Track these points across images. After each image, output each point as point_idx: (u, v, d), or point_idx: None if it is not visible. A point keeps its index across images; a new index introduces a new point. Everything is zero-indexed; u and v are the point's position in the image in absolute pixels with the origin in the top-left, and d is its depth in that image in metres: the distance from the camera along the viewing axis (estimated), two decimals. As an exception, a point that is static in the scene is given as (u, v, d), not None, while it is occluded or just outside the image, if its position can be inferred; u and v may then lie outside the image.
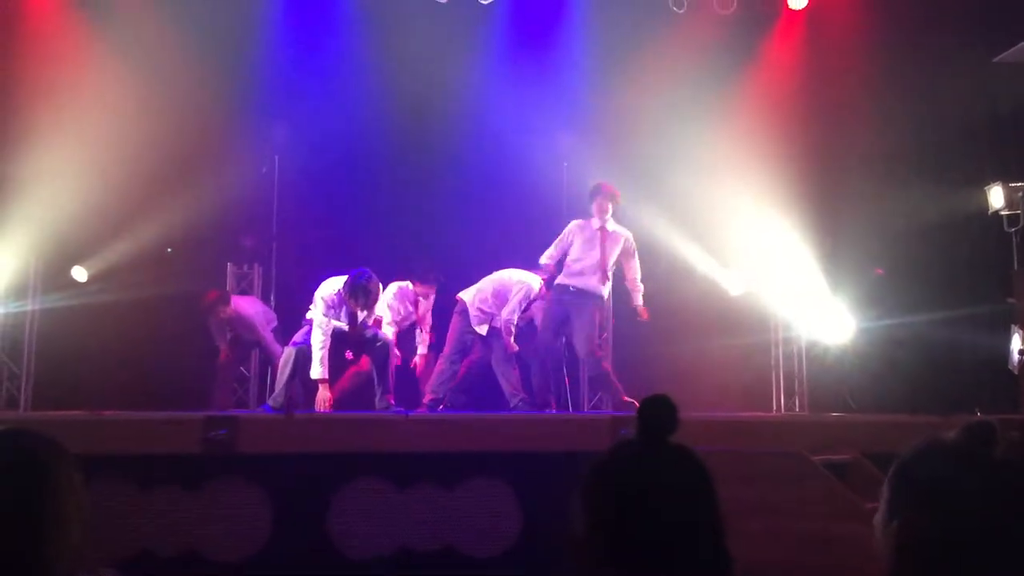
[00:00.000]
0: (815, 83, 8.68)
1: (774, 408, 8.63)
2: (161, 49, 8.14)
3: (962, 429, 1.49)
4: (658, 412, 1.59)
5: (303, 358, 6.52)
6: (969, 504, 1.41)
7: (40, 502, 1.51)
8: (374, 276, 6.48)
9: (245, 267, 8.77)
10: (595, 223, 7.09)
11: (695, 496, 1.56)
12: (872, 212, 8.27)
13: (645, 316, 7.20)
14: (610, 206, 7.09)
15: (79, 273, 8.34)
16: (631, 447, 1.61)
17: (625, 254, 7.14)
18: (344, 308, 6.50)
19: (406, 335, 7.55)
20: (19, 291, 8.00)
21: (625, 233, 7.17)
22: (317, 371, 6.45)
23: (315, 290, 6.64)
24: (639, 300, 7.22)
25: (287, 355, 6.67)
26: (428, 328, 7.56)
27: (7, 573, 1.47)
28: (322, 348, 6.44)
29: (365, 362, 7.13)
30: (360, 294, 6.37)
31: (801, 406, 8.58)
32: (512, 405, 7.01)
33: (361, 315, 6.56)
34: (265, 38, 8.67)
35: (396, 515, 4.95)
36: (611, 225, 7.10)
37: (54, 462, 1.57)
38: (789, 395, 8.69)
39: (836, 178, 8.54)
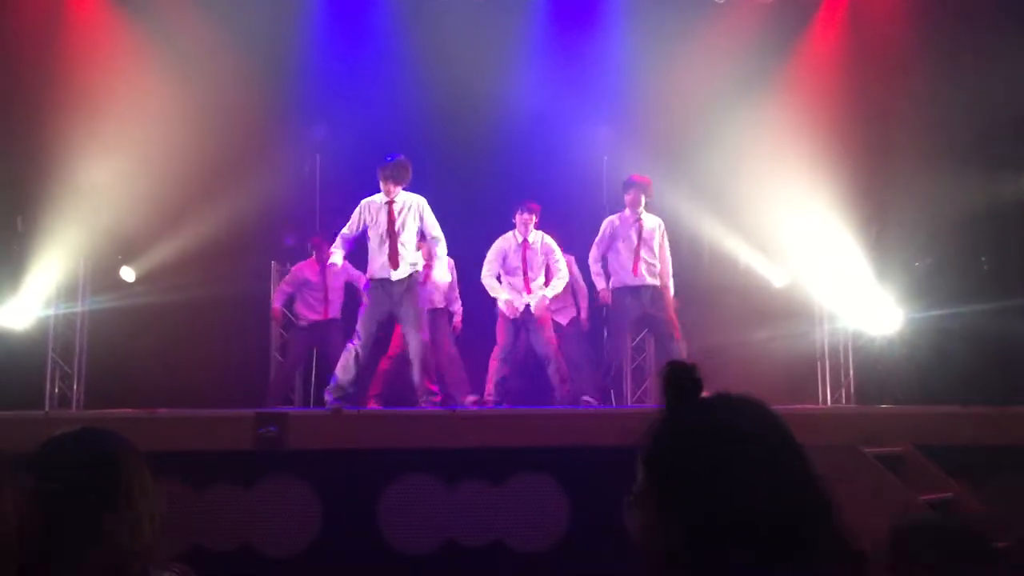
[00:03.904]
0: (859, 71, 8.55)
1: (820, 400, 8.54)
2: (204, 52, 8.24)
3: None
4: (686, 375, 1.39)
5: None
6: None
7: (115, 500, 1.54)
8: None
9: (288, 265, 8.84)
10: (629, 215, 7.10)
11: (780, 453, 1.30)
12: (919, 200, 8.12)
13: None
14: (643, 198, 7.09)
15: (127, 274, 8.47)
16: (697, 406, 1.38)
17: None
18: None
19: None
20: (69, 292, 8.15)
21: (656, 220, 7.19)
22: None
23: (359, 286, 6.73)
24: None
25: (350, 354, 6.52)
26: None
27: (84, 568, 1.50)
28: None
29: (395, 346, 7.16)
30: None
31: (848, 398, 8.47)
32: (559, 398, 6.99)
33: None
34: (305, 38, 8.74)
35: (445, 510, 4.98)
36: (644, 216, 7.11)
37: (128, 461, 1.60)
38: (836, 387, 8.59)
39: (882, 166, 8.41)
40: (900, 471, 5.16)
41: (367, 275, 6.60)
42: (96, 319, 8.22)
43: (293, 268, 8.21)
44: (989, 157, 7.90)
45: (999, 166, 7.86)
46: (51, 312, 8.03)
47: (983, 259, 7.81)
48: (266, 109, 8.45)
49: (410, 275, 6.45)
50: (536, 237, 7.21)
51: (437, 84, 8.43)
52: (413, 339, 6.41)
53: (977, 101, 7.69)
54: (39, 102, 7.90)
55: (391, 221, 6.49)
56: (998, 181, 7.80)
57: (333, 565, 4.90)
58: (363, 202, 6.62)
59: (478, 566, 4.93)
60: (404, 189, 6.58)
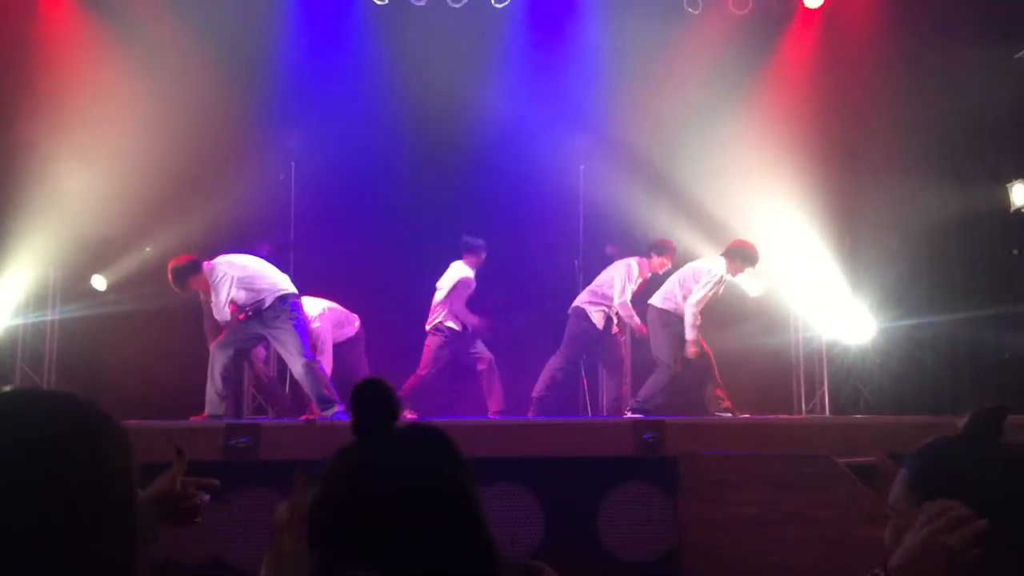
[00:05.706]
0: (832, 81, 8.62)
1: (795, 409, 8.58)
2: (178, 57, 8.15)
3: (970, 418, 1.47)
4: (378, 395, 1.44)
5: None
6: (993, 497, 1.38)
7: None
8: None
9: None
10: None
11: (443, 483, 1.39)
12: (892, 210, 8.19)
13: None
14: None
15: (98, 282, 8.36)
16: (356, 442, 1.42)
17: None
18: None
19: None
20: (39, 301, 8.03)
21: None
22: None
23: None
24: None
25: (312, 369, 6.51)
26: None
27: None
28: None
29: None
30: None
31: (823, 408, 8.51)
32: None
33: None
34: (280, 45, 8.67)
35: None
36: None
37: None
38: (810, 397, 8.63)
39: (855, 176, 8.48)
40: (874, 480, 5.18)
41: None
42: (66, 328, 8.11)
43: None
44: (961, 167, 7.98)
45: (971, 176, 7.95)
46: (20, 321, 7.91)
47: (1015, 252, 7.81)
48: (241, 116, 8.37)
49: None
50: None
51: (413, 93, 8.40)
52: None
53: (950, 111, 7.77)
54: (7, 108, 7.78)
55: None
56: (969, 191, 7.88)
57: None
58: None
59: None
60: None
